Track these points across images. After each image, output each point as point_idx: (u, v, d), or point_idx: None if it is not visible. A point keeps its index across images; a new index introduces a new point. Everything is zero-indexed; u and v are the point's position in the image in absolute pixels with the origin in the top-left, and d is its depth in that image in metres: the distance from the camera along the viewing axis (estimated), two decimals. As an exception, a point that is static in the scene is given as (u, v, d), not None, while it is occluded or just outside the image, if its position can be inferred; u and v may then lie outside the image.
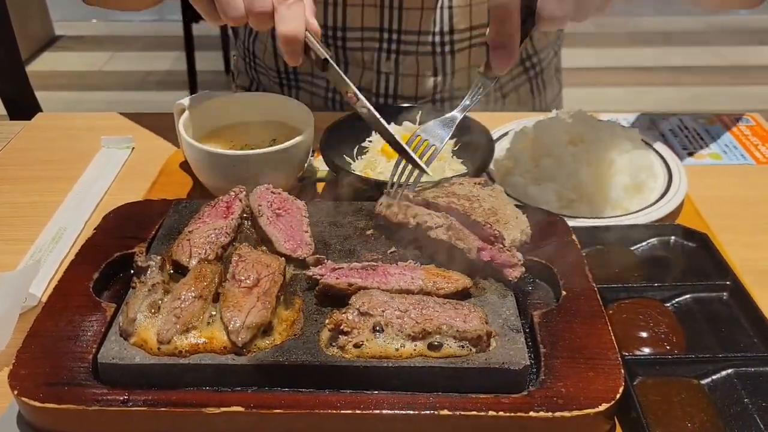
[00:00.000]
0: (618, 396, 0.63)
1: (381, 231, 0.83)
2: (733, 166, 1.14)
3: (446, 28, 1.25)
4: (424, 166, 0.81)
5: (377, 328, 0.66)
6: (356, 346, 0.65)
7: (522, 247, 0.80)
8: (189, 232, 0.79)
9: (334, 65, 0.81)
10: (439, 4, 1.23)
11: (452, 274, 0.74)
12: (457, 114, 0.84)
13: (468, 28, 1.26)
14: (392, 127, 1.10)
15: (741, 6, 1.24)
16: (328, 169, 1.03)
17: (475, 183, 0.85)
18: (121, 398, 0.63)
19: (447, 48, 1.27)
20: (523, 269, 0.74)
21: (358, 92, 0.81)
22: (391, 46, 1.27)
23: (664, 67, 4.21)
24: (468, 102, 0.83)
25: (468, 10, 1.24)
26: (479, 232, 0.76)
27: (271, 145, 0.97)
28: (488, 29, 0.77)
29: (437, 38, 1.26)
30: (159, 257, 0.74)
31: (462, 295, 0.72)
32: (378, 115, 0.81)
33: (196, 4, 0.84)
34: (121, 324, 0.68)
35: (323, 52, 0.81)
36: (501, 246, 0.75)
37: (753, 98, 3.89)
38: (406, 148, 0.81)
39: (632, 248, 0.89)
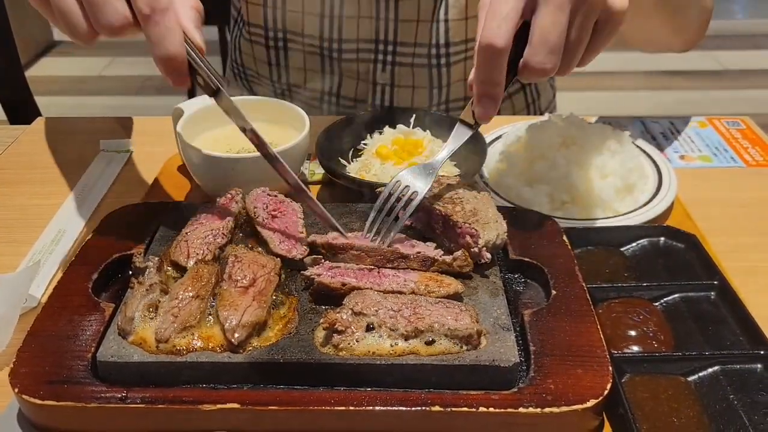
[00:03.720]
0: (606, 392, 0.64)
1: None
2: (723, 168, 1.16)
3: (442, 41, 1.26)
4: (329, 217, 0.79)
5: (371, 327, 0.68)
6: (350, 344, 0.67)
7: (516, 247, 0.82)
8: (186, 233, 0.80)
9: (227, 96, 0.75)
10: (435, 17, 1.24)
11: (444, 278, 0.75)
12: (439, 158, 0.81)
13: (464, 40, 1.27)
14: (386, 130, 1.11)
15: (674, 48, 1.25)
16: (323, 171, 1.05)
17: (463, 184, 0.86)
18: (120, 395, 0.64)
19: (443, 60, 1.28)
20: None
21: (256, 131, 0.77)
22: (386, 58, 1.28)
23: (657, 71, 4.23)
24: (447, 152, 0.80)
25: (464, 23, 1.25)
26: (455, 234, 0.79)
27: (268, 149, 0.98)
28: (473, 72, 0.74)
29: (433, 50, 1.27)
30: (157, 258, 0.76)
31: (454, 298, 0.74)
32: (280, 159, 0.79)
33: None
34: (119, 323, 0.70)
35: (215, 81, 0.72)
36: (474, 244, 0.76)
37: (745, 102, 3.91)
38: (318, 205, 0.81)
39: (622, 249, 0.91)
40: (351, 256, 0.78)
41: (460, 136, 0.80)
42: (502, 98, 0.75)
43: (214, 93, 0.75)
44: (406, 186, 0.80)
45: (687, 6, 1.13)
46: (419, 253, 0.77)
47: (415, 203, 0.79)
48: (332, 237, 0.80)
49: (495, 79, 0.73)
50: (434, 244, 0.80)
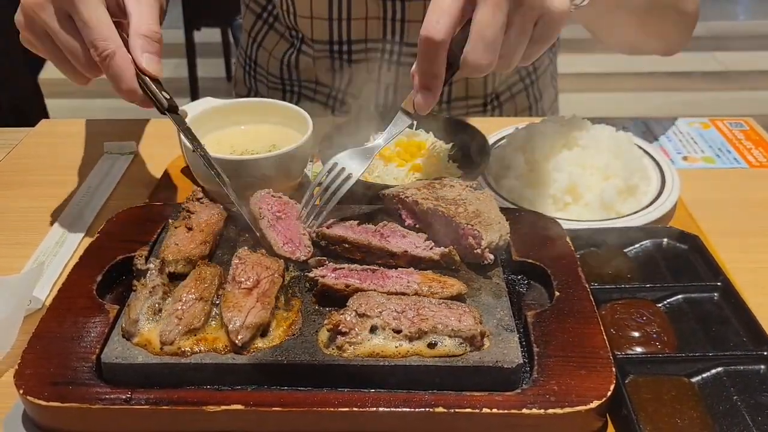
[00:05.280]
0: (609, 393, 0.64)
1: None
2: (726, 169, 1.16)
3: None
4: (243, 212, 0.82)
5: (374, 328, 0.68)
6: (354, 346, 0.67)
7: (519, 248, 0.82)
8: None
9: (170, 117, 0.83)
10: None
11: (447, 279, 0.76)
12: (380, 143, 0.84)
13: None
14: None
15: (655, 52, 1.27)
16: (327, 173, 1.05)
17: (465, 186, 0.86)
18: (124, 397, 0.64)
19: None
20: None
21: (206, 151, 0.83)
22: (392, 58, 1.29)
23: (660, 73, 4.22)
24: (385, 138, 0.84)
25: None
26: (458, 235, 0.79)
27: (272, 151, 0.98)
28: (415, 64, 0.76)
29: None
30: (158, 260, 0.76)
31: (457, 299, 0.74)
32: (221, 174, 0.83)
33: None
34: (123, 325, 0.70)
35: (164, 103, 0.82)
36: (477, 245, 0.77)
37: (748, 103, 3.91)
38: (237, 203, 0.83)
39: (625, 250, 0.91)
40: (342, 249, 0.81)
41: (399, 123, 0.83)
42: (440, 90, 0.76)
43: (165, 112, 0.83)
44: (342, 168, 0.84)
45: (664, 11, 1.13)
46: (406, 252, 0.78)
47: (348, 185, 0.83)
48: (326, 225, 0.82)
49: (434, 72, 0.75)
50: (425, 235, 0.81)
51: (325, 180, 0.84)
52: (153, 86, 0.82)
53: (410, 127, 0.88)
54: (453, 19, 0.72)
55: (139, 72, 0.81)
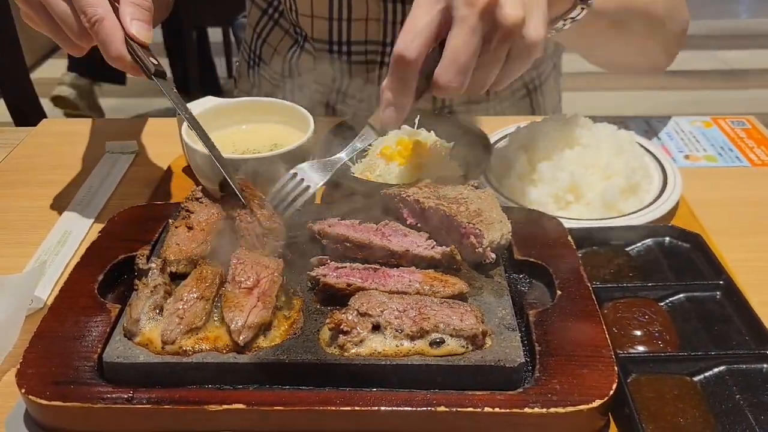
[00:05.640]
0: (611, 392, 0.64)
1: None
2: (728, 168, 1.15)
3: None
4: (243, 199, 0.81)
5: (376, 327, 0.68)
6: (356, 345, 0.67)
7: (521, 247, 0.82)
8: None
9: (157, 82, 0.82)
10: None
11: (449, 278, 0.75)
12: (341, 156, 0.85)
13: None
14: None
15: (642, 72, 1.28)
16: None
17: (467, 185, 0.86)
18: (126, 396, 0.64)
19: None
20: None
21: (192, 114, 0.83)
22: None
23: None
24: (348, 152, 0.84)
25: None
26: (459, 234, 0.79)
27: (273, 150, 0.98)
28: (385, 80, 0.76)
29: None
30: (160, 260, 0.76)
31: (459, 298, 0.74)
32: (213, 146, 0.83)
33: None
34: (125, 325, 0.70)
35: (149, 68, 0.82)
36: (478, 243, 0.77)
37: (750, 102, 3.90)
38: (232, 183, 0.82)
39: (627, 249, 0.90)
40: (343, 248, 0.80)
41: (365, 138, 0.83)
42: (409, 108, 0.76)
43: (152, 77, 0.83)
44: (301, 179, 0.84)
45: (649, 35, 1.13)
46: (408, 251, 0.78)
47: (305, 197, 0.83)
48: (328, 224, 0.82)
49: (403, 89, 0.75)
50: (427, 234, 0.81)
51: (283, 190, 0.84)
52: (141, 52, 0.82)
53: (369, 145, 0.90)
54: (427, 40, 0.72)
55: (129, 39, 0.81)
